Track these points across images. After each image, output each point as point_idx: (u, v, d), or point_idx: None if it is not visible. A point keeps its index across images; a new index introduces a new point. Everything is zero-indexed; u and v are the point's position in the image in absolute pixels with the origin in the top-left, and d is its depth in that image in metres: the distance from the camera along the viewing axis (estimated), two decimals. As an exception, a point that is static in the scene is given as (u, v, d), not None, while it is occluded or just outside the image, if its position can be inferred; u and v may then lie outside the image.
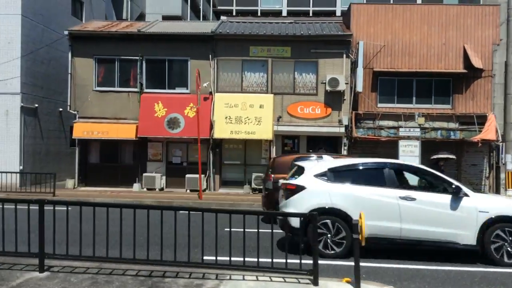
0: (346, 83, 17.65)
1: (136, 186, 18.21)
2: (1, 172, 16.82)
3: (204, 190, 17.47)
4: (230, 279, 5.39)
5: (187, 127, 17.90)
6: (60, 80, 22.03)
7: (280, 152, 18.43)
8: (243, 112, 17.91)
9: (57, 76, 21.76)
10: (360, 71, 17.22)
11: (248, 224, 5.51)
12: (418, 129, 15.65)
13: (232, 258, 5.46)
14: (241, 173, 18.66)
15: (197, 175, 17.89)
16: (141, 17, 35.93)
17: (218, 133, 17.87)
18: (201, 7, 45.72)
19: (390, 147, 17.98)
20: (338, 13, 33.58)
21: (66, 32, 18.43)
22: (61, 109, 21.88)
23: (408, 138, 15.65)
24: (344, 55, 17.87)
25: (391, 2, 21.30)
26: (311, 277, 5.23)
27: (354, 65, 17.78)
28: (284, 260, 5.53)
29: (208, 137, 17.85)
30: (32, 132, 19.52)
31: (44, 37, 20.39)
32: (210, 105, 18.09)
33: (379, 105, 18.11)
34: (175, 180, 18.58)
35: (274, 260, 5.51)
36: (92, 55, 18.52)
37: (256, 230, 5.51)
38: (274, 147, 18.24)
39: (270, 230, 5.71)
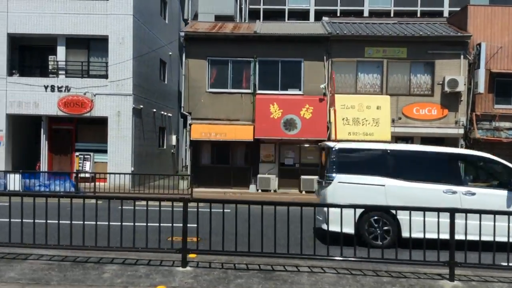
0: (464, 84, 17.66)
1: (252, 188, 18.16)
2: (123, 174, 16.85)
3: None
4: None
5: (304, 128, 17.87)
6: (153, 81, 21.95)
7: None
8: (360, 113, 17.86)
9: (152, 77, 21.69)
10: (482, 72, 17.26)
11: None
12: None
13: None
14: (353, 174, 18.57)
15: (313, 177, 17.89)
16: (195, 17, 35.80)
17: (337, 135, 17.79)
18: (243, 6, 45.70)
19: (507, 149, 18.06)
20: (446, 14, 34.07)
21: (182, 34, 18.30)
22: (154, 110, 21.81)
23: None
24: (462, 56, 17.87)
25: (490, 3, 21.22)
26: None
27: (472, 66, 17.79)
28: None
29: (325, 139, 17.79)
30: (138, 133, 19.42)
31: (145, 38, 20.29)
32: (326, 107, 18.04)
33: (496, 106, 18.13)
34: (287, 181, 18.54)
35: None
36: (205, 57, 18.41)
37: None
38: (389, 148, 18.20)
39: None
